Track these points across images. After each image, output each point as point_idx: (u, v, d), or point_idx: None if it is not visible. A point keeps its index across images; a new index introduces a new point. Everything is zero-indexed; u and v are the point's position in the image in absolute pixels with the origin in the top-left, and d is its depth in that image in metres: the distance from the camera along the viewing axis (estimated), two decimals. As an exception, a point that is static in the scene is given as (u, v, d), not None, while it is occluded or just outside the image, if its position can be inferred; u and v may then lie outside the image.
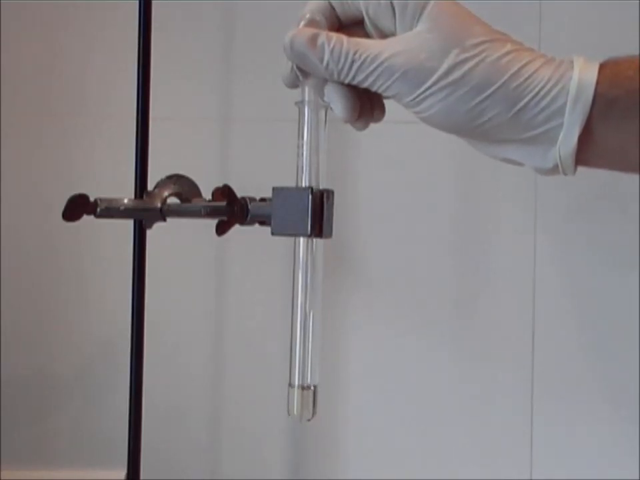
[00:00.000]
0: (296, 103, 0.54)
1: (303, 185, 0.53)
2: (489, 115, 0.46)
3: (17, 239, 1.03)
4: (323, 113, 0.53)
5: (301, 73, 0.51)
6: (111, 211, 0.69)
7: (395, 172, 1.05)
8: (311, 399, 0.53)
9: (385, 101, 0.52)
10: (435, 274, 1.05)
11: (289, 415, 0.53)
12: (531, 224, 1.05)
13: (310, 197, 0.52)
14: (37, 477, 1.02)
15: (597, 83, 0.44)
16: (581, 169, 0.48)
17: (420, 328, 1.06)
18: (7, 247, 1.03)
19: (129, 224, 0.79)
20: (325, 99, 0.51)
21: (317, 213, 0.53)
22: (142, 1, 0.82)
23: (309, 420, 0.54)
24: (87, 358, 1.05)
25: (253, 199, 0.63)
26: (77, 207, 0.68)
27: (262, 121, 1.04)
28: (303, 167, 0.53)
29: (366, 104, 0.52)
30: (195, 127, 1.05)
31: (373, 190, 1.06)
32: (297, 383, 0.53)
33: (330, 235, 0.54)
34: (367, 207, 1.06)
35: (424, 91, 0.46)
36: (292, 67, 0.51)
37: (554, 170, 0.47)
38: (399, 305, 1.06)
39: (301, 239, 0.54)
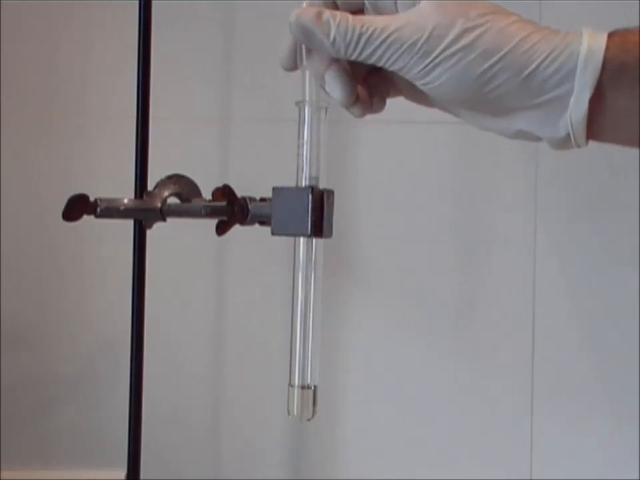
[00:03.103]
0: (296, 103, 0.54)
1: (303, 185, 0.53)
2: (498, 81, 0.46)
3: (17, 239, 1.03)
4: (323, 112, 0.53)
5: (305, 53, 0.51)
6: (111, 210, 0.69)
7: (395, 172, 1.05)
8: (310, 399, 0.53)
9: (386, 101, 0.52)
10: (434, 274, 1.05)
11: (289, 414, 0.53)
12: (531, 224, 1.05)
13: (310, 196, 0.52)
14: (36, 476, 1.02)
15: (607, 48, 0.44)
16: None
17: (420, 328, 1.06)
18: (6, 247, 1.03)
19: (129, 224, 0.79)
20: (326, 85, 0.51)
21: (317, 213, 0.53)
22: (142, 1, 0.82)
23: (308, 420, 0.54)
24: (87, 358, 1.05)
25: (253, 199, 0.63)
26: (77, 207, 0.68)
27: (262, 120, 1.04)
28: (303, 167, 0.53)
29: (364, 90, 0.52)
30: (195, 127, 1.05)
31: (373, 190, 1.06)
32: (296, 382, 0.53)
33: (330, 235, 0.54)
34: (367, 206, 1.06)
35: (433, 60, 0.46)
36: (291, 48, 0.51)
37: (566, 140, 0.47)
38: (399, 305, 1.06)
39: (301, 239, 0.54)
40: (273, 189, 0.54)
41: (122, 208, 0.69)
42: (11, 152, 1.03)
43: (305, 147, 0.53)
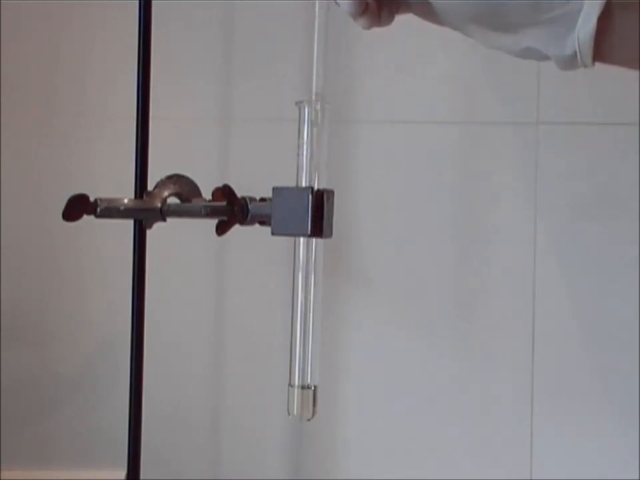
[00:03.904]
0: (296, 103, 0.54)
1: (303, 185, 0.53)
2: None
3: (17, 239, 1.04)
4: (324, 110, 0.54)
5: None
6: (111, 210, 0.69)
7: (395, 172, 1.05)
8: (310, 399, 0.53)
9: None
10: (434, 274, 1.05)
11: (289, 414, 0.54)
12: (531, 224, 1.04)
13: (310, 197, 0.52)
14: (36, 476, 1.02)
15: None
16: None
17: (420, 328, 1.06)
18: (6, 247, 1.03)
19: (129, 224, 0.79)
20: None
21: (317, 213, 0.53)
22: (142, 1, 0.82)
23: (308, 420, 0.54)
24: (87, 358, 1.05)
25: (253, 199, 0.63)
26: (77, 207, 0.68)
27: (262, 120, 1.04)
28: (303, 167, 0.53)
29: (374, 2, 0.52)
30: (195, 127, 1.05)
31: (373, 190, 1.06)
32: (296, 382, 0.53)
33: (330, 235, 0.54)
34: (367, 207, 1.06)
35: None
36: None
37: (573, 59, 0.47)
38: (399, 305, 1.06)
39: (301, 239, 0.54)
40: (273, 189, 0.54)
41: (122, 208, 0.70)
42: (11, 152, 1.03)
43: (304, 146, 0.54)
